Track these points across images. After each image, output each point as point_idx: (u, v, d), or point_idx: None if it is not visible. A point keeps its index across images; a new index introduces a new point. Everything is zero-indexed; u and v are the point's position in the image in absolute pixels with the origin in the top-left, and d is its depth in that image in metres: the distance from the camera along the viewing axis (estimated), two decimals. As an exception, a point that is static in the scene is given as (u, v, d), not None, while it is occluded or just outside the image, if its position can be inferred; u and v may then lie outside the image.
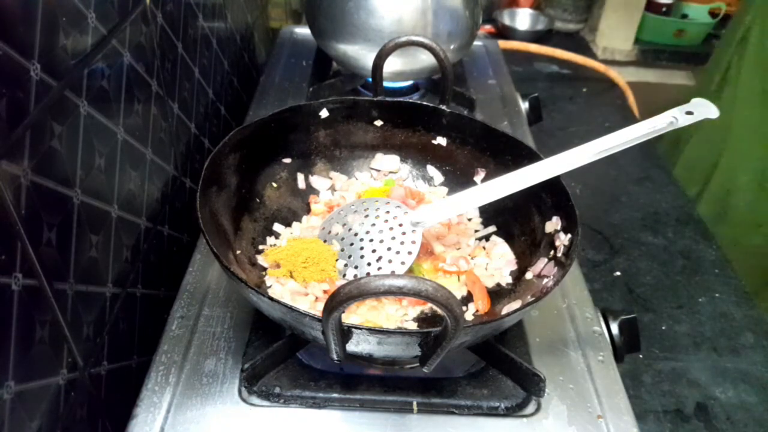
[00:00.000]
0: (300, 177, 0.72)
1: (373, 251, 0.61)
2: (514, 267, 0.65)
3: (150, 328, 0.68)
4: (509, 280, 0.63)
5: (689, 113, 0.60)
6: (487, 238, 0.69)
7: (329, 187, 0.74)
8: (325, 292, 0.59)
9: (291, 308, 0.45)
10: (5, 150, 0.41)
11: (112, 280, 0.59)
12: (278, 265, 0.60)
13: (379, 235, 0.62)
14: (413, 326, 0.58)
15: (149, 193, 0.69)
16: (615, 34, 1.75)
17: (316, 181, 0.73)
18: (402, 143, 0.75)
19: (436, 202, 0.65)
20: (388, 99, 0.72)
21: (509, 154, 0.68)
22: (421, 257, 0.64)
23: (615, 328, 0.64)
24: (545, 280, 0.57)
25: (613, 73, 1.53)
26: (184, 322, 0.61)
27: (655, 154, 1.30)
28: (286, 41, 1.21)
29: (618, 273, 0.99)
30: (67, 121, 0.49)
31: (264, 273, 0.62)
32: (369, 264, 0.60)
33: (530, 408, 0.55)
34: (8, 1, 0.41)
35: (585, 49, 1.75)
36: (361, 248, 0.62)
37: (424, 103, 0.72)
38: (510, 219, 0.67)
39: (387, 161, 0.75)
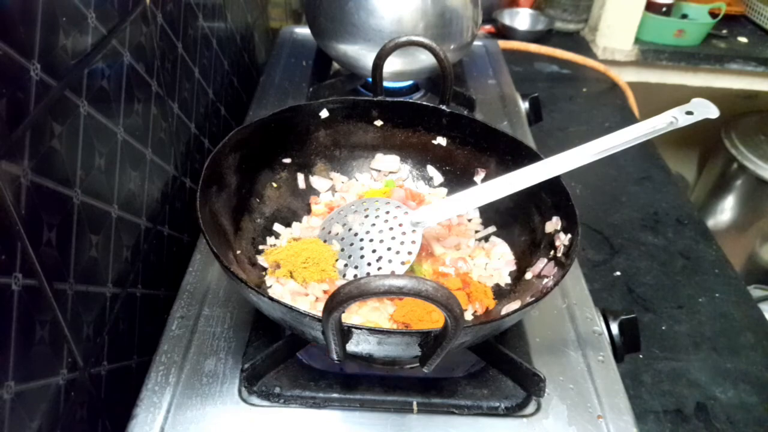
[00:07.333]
0: (300, 177, 0.72)
1: (373, 251, 0.61)
2: (514, 267, 0.65)
3: (150, 328, 0.68)
4: (508, 280, 0.64)
5: (689, 113, 0.60)
6: (486, 238, 0.69)
7: (329, 188, 0.73)
8: (325, 292, 0.59)
9: (291, 308, 0.45)
10: (5, 150, 0.41)
11: (112, 280, 0.59)
12: (278, 266, 0.60)
13: (379, 235, 0.62)
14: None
15: (149, 193, 0.69)
16: (615, 34, 1.75)
17: (316, 181, 0.73)
18: (402, 143, 0.75)
19: (436, 203, 0.65)
20: (388, 99, 0.72)
21: (509, 154, 0.68)
22: (422, 258, 0.64)
23: (615, 328, 0.64)
24: (545, 280, 0.57)
25: (613, 73, 1.53)
26: (184, 322, 0.61)
27: (655, 154, 1.30)
28: (286, 41, 1.21)
29: (618, 273, 0.99)
30: (67, 121, 0.49)
31: (264, 273, 0.62)
32: (369, 264, 0.60)
33: (530, 408, 0.55)
34: (8, 1, 0.41)
35: (585, 49, 1.75)
36: (361, 248, 0.62)
37: (424, 103, 0.72)
38: (510, 219, 0.67)
39: (387, 161, 0.75)
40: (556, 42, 1.73)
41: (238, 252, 0.61)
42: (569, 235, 0.57)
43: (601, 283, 0.97)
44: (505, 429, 0.54)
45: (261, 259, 0.63)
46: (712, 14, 1.83)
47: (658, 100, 1.32)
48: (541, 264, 0.60)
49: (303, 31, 1.20)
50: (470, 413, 0.55)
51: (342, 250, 0.62)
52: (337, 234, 0.64)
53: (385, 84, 0.78)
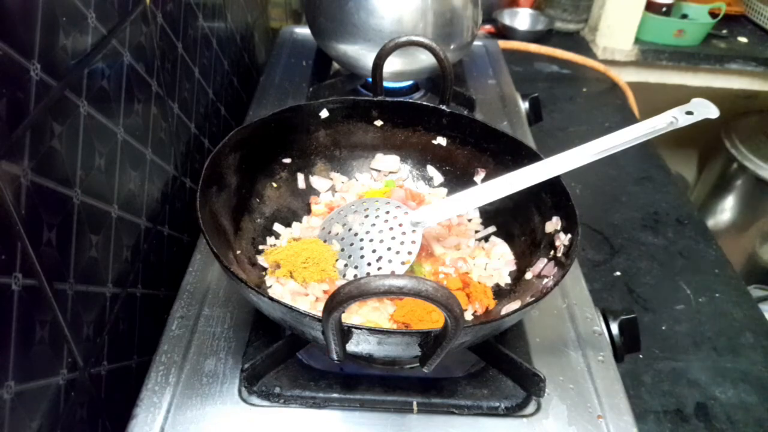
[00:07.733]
0: (300, 177, 0.72)
1: (373, 251, 0.61)
2: (514, 267, 0.65)
3: (150, 328, 0.68)
4: (508, 280, 0.64)
5: (689, 113, 0.60)
6: (486, 238, 0.69)
7: (329, 188, 0.74)
8: (325, 292, 0.59)
9: (291, 308, 0.45)
10: (5, 150, 0.41)
11: (112, 280, 0.59)
12: (278, 266, 0.60)
13: (379, 235, 0.62)
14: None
15: (149, 193, 0.69)
16: (615, 34, 1.75)
17: (316, 181, 0.73)
18: (402, 143, 0.75)
19: (436, 203, 0.65)
20: (388, 99, 0.72)
21: (509, 154, 0.68)
22: (422, 258, 0.64)
23: (615, 328, 0.64)
24: (545, 280, 0.57)
25: (613, 73, 1.53)
26: (184, 322, 0.61)
27: (655, 154, 1.30)
28: (286, 41, 1.21)
29: (618, 273, 0.99)
30: (67, 121, 0.49)
31: (264, 273, 0.62)
32: (369, 264, 0.60)
33: (530, 408, 0.55)
34: (8, 1, 0.41)
35: (585, 49, 1.75)
36: (361, 248, 0.62)
37: (424, 103, 0.72)
38: (510, 219, 0.67)
39: (387, 161, 0.75)
40: (556, 42, 1.73)
41: (238, 252, 0.61)
42: (569, 235, 0.57)
43: (601, 283, 0.97)
44: (505, 429, 0.54)
45: (261, 259, 0.63)
46: (712, 14, 1.83)
47: (658, 100, 1.32)
48: (541, 264, 0.60)
49: (303, 31, 1.20)
50: (470, 413, 0.55)
51: (342, 250, 0.62)
52: (337, 234, 0.64)
53: (385, 84, 0.78)
